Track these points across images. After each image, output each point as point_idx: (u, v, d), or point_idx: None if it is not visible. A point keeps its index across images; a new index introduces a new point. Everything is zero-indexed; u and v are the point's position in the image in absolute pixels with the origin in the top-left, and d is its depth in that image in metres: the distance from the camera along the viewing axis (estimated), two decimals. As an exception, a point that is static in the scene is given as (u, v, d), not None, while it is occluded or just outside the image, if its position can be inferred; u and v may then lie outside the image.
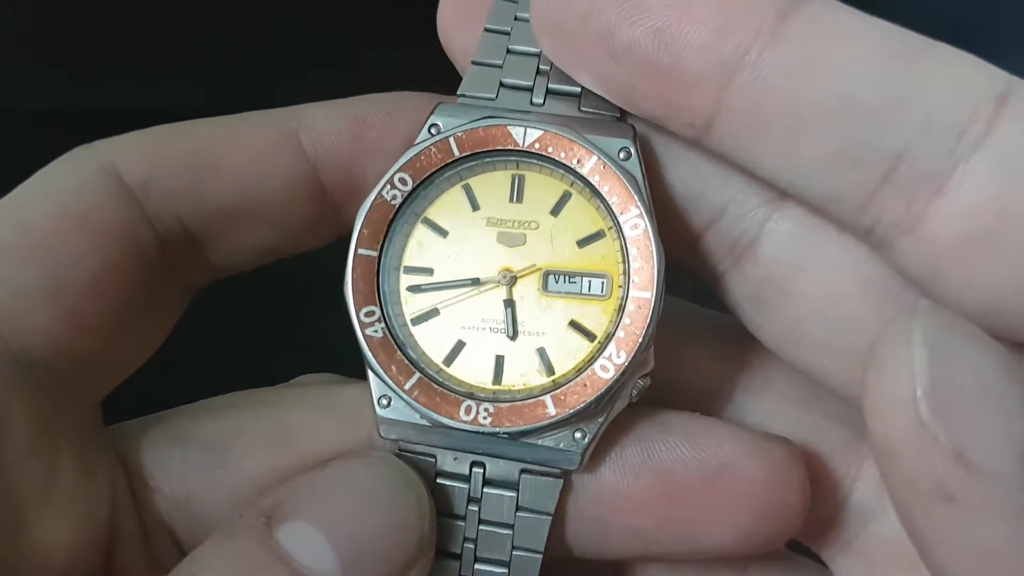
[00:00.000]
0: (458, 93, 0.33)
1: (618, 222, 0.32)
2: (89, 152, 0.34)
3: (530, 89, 0.33)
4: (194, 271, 0.36)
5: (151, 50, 0.55)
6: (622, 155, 0.32)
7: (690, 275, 0.34)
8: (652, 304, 0.31)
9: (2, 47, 0.54)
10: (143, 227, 0.33)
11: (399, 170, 0.33)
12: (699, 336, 0.36)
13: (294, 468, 0.32)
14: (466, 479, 0.33)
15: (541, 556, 0.32)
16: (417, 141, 0.33)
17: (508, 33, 0.33)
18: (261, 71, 0.56)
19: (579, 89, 0.32)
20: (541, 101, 0.33)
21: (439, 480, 0.33)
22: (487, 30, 0.33)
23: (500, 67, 0.33)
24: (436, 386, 0.32)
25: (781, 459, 0.32)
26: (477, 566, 0.33)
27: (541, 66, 0.33)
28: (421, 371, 0.32)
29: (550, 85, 0.33)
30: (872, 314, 0.31)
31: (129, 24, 0.55)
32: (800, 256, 0.31)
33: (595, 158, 0.32)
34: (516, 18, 0.33)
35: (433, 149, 0.32)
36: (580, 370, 0.32)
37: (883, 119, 0.26)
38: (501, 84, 0.33)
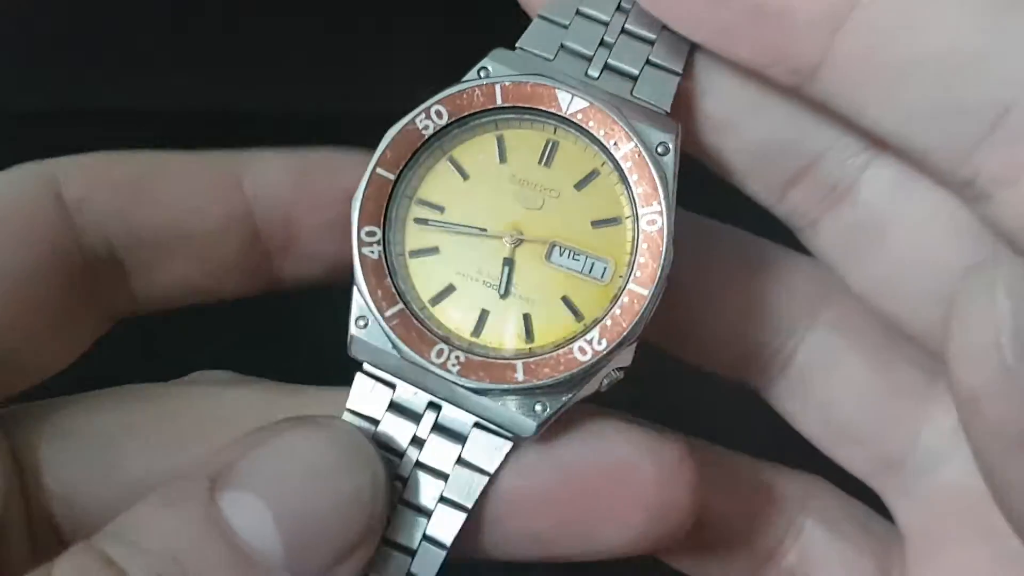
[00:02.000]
0: (517, 45, 0.33)
1: (637, 213, 0.32)
2: (35, 166, 0.34)
3: (589, 59, 0.33)
4: (117, 297, 0.36)
5: (152, 50, 0.55)
6: (660, 149, 0.32)
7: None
8: (646, 302, 0.31)
9: (2, 47, 0.54)
10: (72, 243, 0.34)
11: (437, 102, 0.32)
12: (792, 275, 0.36)
13: (178, 472, 0.30)
14: (417, 418, 0.32)
15: (466, 515, 0.31)
16: (464, 79, 0.32)
17: None
18: (262, 71, 0.56)
19: (637, 71, 0.32)
20: (597, 74, 0.33)
21: (389, 412, 0.32)
22: None
23: (565, 28, 0.33)
24: (415, 321, 0.32)
25: (673, 459, 0.32)
26: (399, 507, 0.32)
27: (606, 38, 0.33)
28: (405, 303, 0.32)
29: (610, 60, 0.33)
30: (965, 264, 0.30)
31: (129, 24, 0.55)
32: (899, 203, 0.31)
33: (632, 144, 0.32)
34: None
35: (477, 91, 0.32)
36: (558, 346, 0.31)
37: (993, 70, 0.26)
38: (562, 46, 0.33)
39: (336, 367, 0.35)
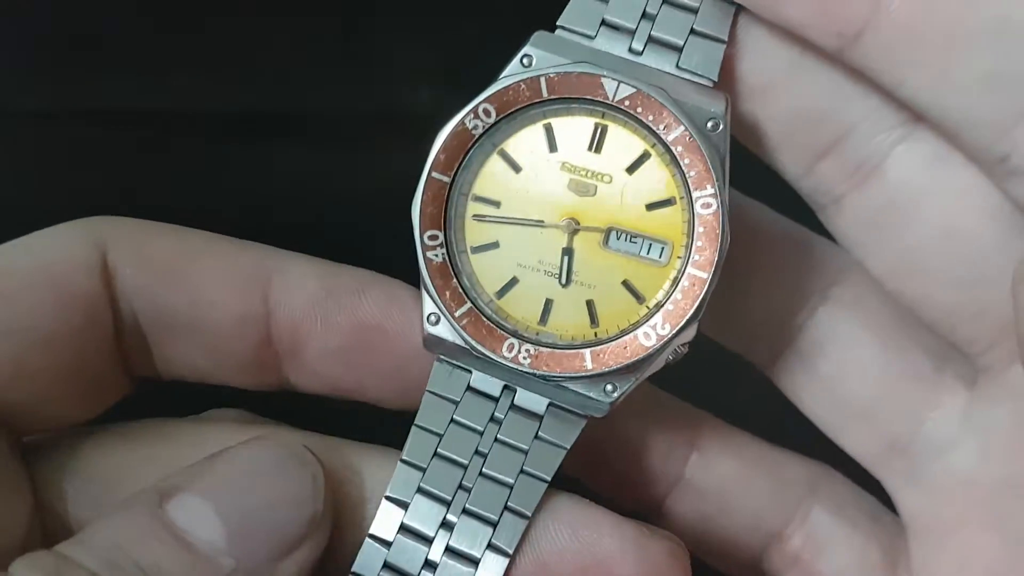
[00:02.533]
0: (557, 24, 0.33)
1: (691, 196, 0.32)
2: (87, 225, 0.36)
3: (632, 33, 0.32)
4: (140, 363, 0.37)
5: (152, 50, 0.55)
6: (710, 125, 0.32)
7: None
8: (707, 284, 0.32)
9: (2, 47, 0.54)
10: (106, 309, 0.35)
11: (485, 100, 0.32)
12: (807, 253, 0.36)
13: None
14: (495, 400, 0.33)
15: (546, 485, 0.32)
16: (506, 73, 0.32)
17: None
18: (262, 71, 0.56)
19: (682, 42, 0.32)
20: (641, 48, 0.32)
21: (468, 394, 0.33)
22: None
23: (605, 2, 0.33)
24: (484, 319, 0.32)
25: (661, 558, 0.32)
26: (480, 480, 0.33)
27: (648, 9, 0.32)
28: (472, 301, 0.33)
29: (653, 32, 0.32)
30: (992, 244, 0.31)
31: (129, 24, 0.55)
32: (929, 181, 0.31)
33: (682, 128, 0.32)
34: None
35: (523, 85, 0.32)
36: (624, 331, 0.32)
37: None
38: (603, 21, 0.32)
39: (344, 416, 0.36)
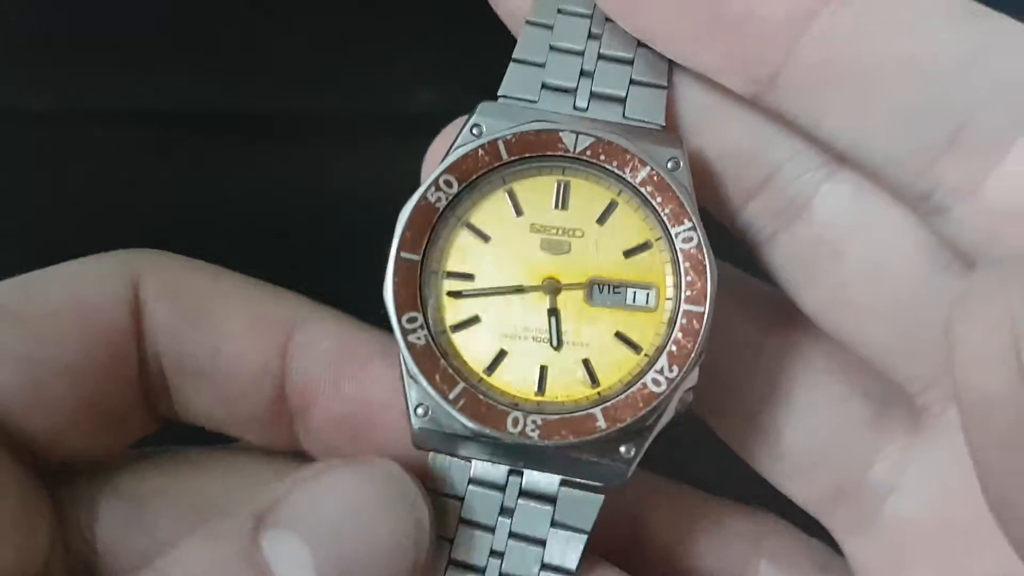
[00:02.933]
0: (499, 94, 0.32)
1: (669, 234, 0.31)
2: (123, 257, 0.35)
3: (573, 91, 0.32)
4: (162, 405, 0.36)
5: (152, 50, 0.55)
6: (671, 165, 0.31)
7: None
8: (705, 319, 0.31)
9: (4, 47, 0.54)
10: (133, 342, 0.34)
11: (444, 172, 0.31)
12: (743, 301, 0.36)
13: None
14: (501, 488, 0.32)
15: None
16: (460, 141, 0.32)
17: (551, 28, 0.32)
18: (262, 71, 0.56)
19: (623, 93, 0.32)
20: (585, 105, 0.32)
21: (471, 487, 0.32)
22: (529, 23, 0.32)
23: (542, 66, 0.32)
24: (481, 397, 0.31)
25: None
26: None
27: (585, 67, 0.32)
28: (464, 380, 0.31)
29: (594, 88, 0.32)
30: (922, 281, 0.30)
31: (129, 24, 0.55)
32: (855, 218, 0.31)
33: (648, 168, 0.31)
34: (560, 11, 0.32)
35: (480, 151, 0.31)
36: (629, 384, 0.31)
37: (953, 80, 0.26)
38: (543, 85, 0.32)
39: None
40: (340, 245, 0.48)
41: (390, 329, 0.32)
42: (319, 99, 0.56)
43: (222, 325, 0.35)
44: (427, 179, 0.31)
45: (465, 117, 0.32)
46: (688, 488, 0.38)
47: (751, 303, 0.35)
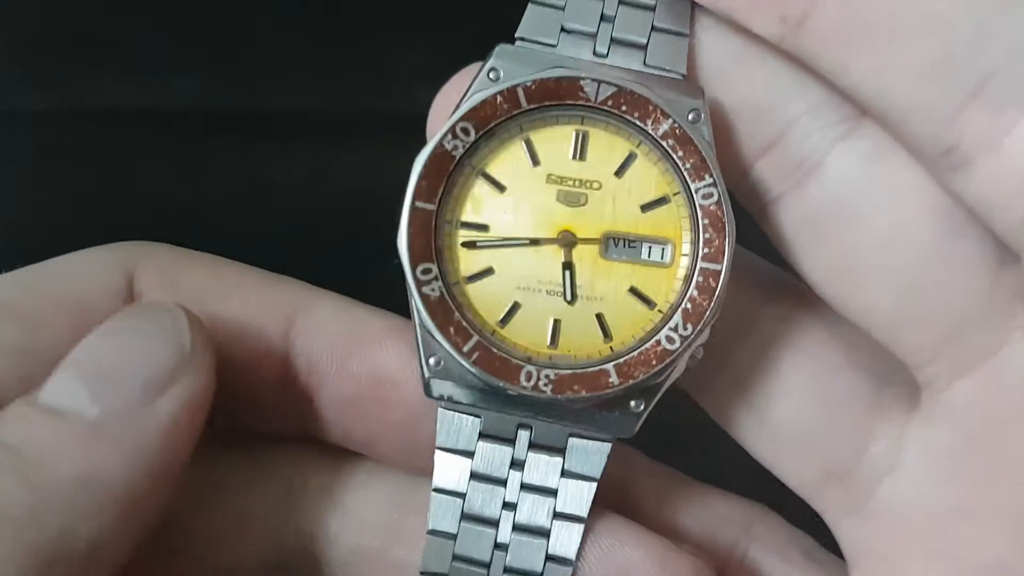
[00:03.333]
0: (516, 36, 0.31)
1: (689, 189, 0.31)
2: (118, 250, 0.35)
3: (593, 36, 0.31)
4: None
5: (152, 50, 0.55)
6: (691, 117, 0.31)
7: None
8: (722, 277, 0.30)
9: (3, 47, 0.54)
10: None
11: (461, 119, 0.31)
12: (738, 272, 0.35)
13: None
14: (511, 442, 0.31)
15: (583, 525, 0.31)
16: (476, 86, 0.31)
17: None
18: (262, 71, 0.56)
19: (645, 40, 0.31)
20: (605, 51, 0.31)
21: (481, 442, 0.31)
22: None
23: (562, 9, 0.31)
24: (495, 350, 0.30)
25: (685, 573, 0.31)
26: (515, 535, 0.31)
27: (606, 11, 0.31)
28: (478, 332, 0.30)
29: (615, 33, 0.31)
30: (934, 246, 0.30)
31: (130, 24, 0.55)
32: (871, 179, 0.30)
33: (670, 121, 0.30)
34: None
35: (499, 98, 0.31)
36: (643, 340, 0.31)
37: (984, 31, 0.26)
38: (562, 28, 0.31)
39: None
40: (340, 245, 0.48)
41: (394, 310, 0.32)
42: (319, 99, 0.56)
43: (221, 313, 0.34)
44: (443, 126, 0.31)
45: (477, 65, 0.32)
46: (680, 473, 0.37)
47: (746, 275, 0.34)
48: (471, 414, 0.31)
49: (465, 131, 0.31)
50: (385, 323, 0.34)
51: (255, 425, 0.36)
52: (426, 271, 0.30)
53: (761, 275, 0.35)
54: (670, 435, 0.33)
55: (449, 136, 0.31)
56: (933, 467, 0.32)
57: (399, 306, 0.33)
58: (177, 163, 0.54)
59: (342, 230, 0.52)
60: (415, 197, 0.30)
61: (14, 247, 0.36)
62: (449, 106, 0.32)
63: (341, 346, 0.34)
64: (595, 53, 0.31)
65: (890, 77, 0.27)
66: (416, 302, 0.30)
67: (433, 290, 0.30)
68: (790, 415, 0.34)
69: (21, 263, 0.34)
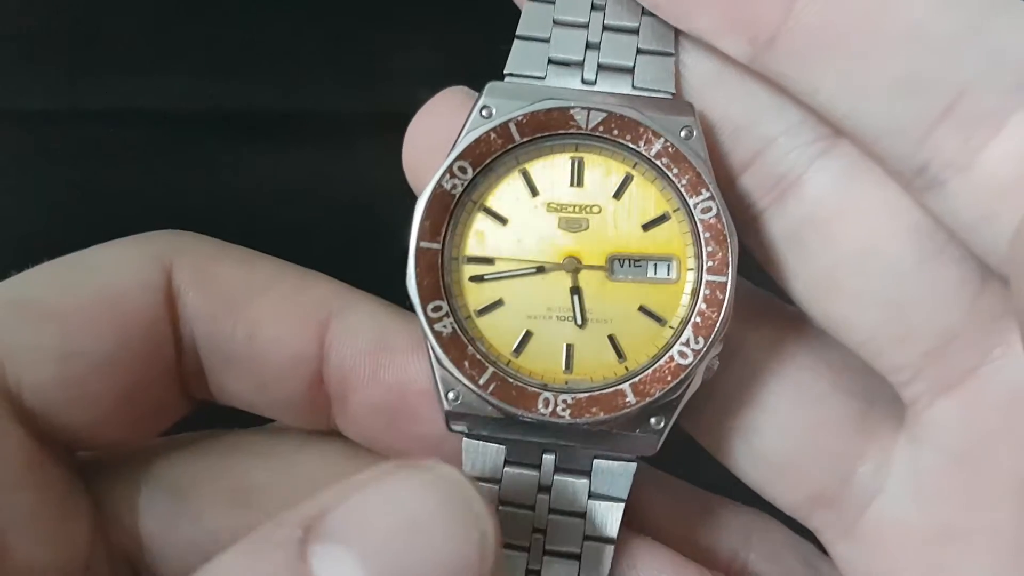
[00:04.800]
0: (505, 72, 0.32)
1: (688, 204, 0.31)
2: (153, 240, 0.35)
3: (581, 65, 0.32)
4: (197, 387, 0.36)
5: (152, 50, 0.55)
6: (684, 134, 0.31)
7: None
8: (728, 288, 0.31)
9: (2, 47, 0.54)
10: (168, 329, 0.34)
11: (458, 158, 0.31)
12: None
13: (252, 528, 0.26)
14: (536, 467, 0.32)
15: (613, 546, 0.31)
16: (470, 125, 0.31)
17: (553, 2, 0.32)
18: (261, 71, 0.56)
19: (631, 63, 0.32)
20: (593, 78, 0.32)
21: (507, 468, 0.32)
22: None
23: (547, 41, 0.32)
24: (511, 380, 0.31)
25: None
26: (546, 559, 0.32)
27: (591, 39, 0.32)
28: (492, 364, 0.31)
29: (601, 60, 0.32)
30: (914, 265, 0.30)
31: (129, 24, 0.55)
32: (849, 196, 0.31)
33: (662, 140, 0.31)
34: None
35: (492, 135, 0.31)
36: (656, 357, 0.31)
37: (952, 49, 0.26)
38: (550, 60, 0.32)
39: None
40: (340, 245, 0.48)
41: None
42: (319, 99, 0.55)
43: (257, 310, 0.34)
44: (440, 166, 0.31)
45: (454, 89, 0.32)
46: (682, 482, 0.38)
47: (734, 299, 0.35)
48: (495, 442, 0.32)
49: (462, 169, 0.31)
50: (415, 329, 0.34)
51: (282, 420, 0.36)
52: (436, 308, 0.31)
53: (746, 300, 0.35)
54: (670, 443, 0.33)
55: (447, 175, 0.31)
56: (918, 487, 0.32)
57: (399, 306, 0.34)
58: (177, 163, 0.54)
59: (343, 229, 0.52)
60: (420, 238, 0.31)
61: (14, 247, 0.36)
62: (424, 131, 0.32)
63: (373, 354, 0.34)
64: (584, 81, 0.32)
65: (859, 97, 0.28)
66: (430, 340, 0.31)
67: (445, 327, 0.31)
68: (777, 443, 0.34)
69: (22, 264, 0.34)
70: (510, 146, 0.31)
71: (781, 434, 0.34)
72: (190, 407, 0.36)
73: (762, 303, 0.35)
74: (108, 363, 0.33)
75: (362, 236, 0.44)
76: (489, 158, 0.31)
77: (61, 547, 0.32)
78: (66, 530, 0.32)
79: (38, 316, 0.32)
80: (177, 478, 0.34)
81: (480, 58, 0.32)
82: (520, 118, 0.31)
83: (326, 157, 0.55)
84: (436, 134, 0.32)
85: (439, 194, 0.31)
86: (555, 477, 0.32)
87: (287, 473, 0.34)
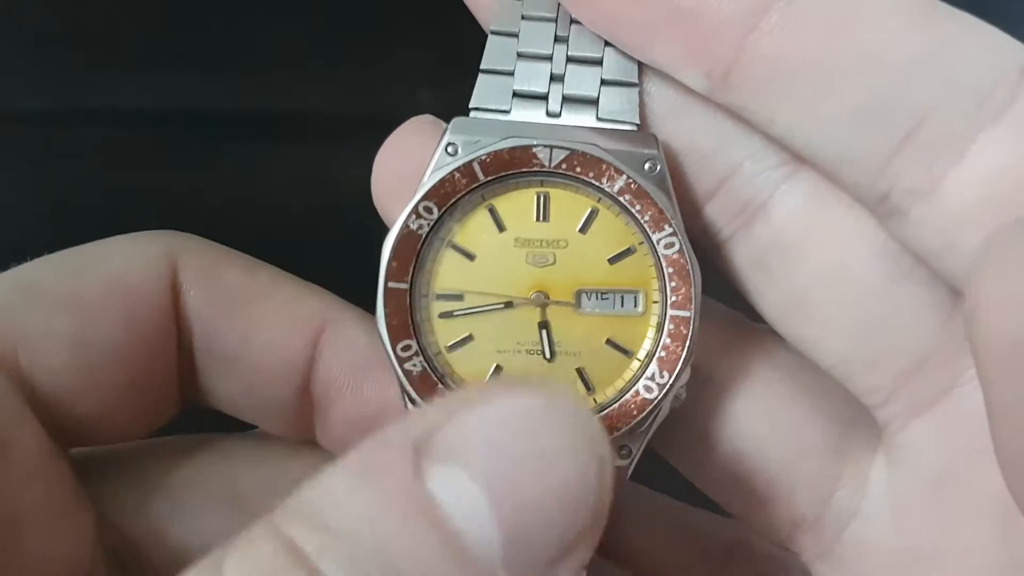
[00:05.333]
0: (470, 107, 0.32)
1: (651, 239, 0.32)
2: (161, 237, 0.35)
3: (545, 97, 0.32)
4: (192, 386, 0.37)
5: (150, 50, 0.55)
6: (648, 167, 0.31)
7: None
8: (692, 323, 0.31)
9: (2, 47, 0.54)
10: (172, 323, 0.35)
11: (423, 198, 0.31)
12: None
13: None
14: None
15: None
16: (436, 164, 0.32)
17: (516, 35, 0.32)
18: (261, 71, 0.56)
19: (595, 95, 0.32)
20: (558, 110, 0.32)
21: None
22: (493, 32, 0.32)
23: (511, 74, 0.32)
24: None
25: None
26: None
27: (555, 71, 0.32)
28: None
29: (566, 92, 0.32)
30: (882, 287, 0.30)
31: (128, 24, 0.55)
32: (815, 220, 0.31)
33: (624, 177, 0.31)
34: (524, 17, 0.32)
35: (457, 174, 0.31)
36: (623, 391, 0.32)
37: (909, 76, 0.26)
38: (514, 94, 0.32)
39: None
40: (340, 245, 0.48)
41: None
42: (319, 99, 0.56)
43: (254, 314, 0.35)
44: (406, 207, 0.31)
45: (421, 118, 0.32)
46: (663, 495, 0.38)
47: (707, 324, 0.34)
48: None
49: (428, 210, 0.31)
50: None
51: (265, 426, 0.36)
52: (406, 347, 0.31)
53: (721, 324, 0.34)
54: (651, 455, 0.33)
55: (413, 216, 0.31)
56: (894, 508, 0.32)
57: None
58: (177, 163, 0.55)
59: (342, 230, 0.52)
60: (388, 278, 0.31)
61: (14, 247, 0.36)
62: (390, 164, 0.33)
63: (360, 368, 0.35)
64: (548, 113, 0.32)
65: (816, 127, 0.27)
66: (400, 379, 0.31)
67: (415, 365, 0.31)
68: (754, 469, 0.34)
69: (22, 263, 0.34)
70: (475, 185, 0.32)
71: (760, 462, 0.34)
72: (179, 409, 0.37)
73: (737, 327, 0.34)
74: (118, 352, 0.33)
75: (361, 236, 0.44)
76: (455, 197, 0.32)
77: (70, 540, 0.32)
78: (75, 523, 0.32)
79: (51, 302, 0.32)
80: (169, 480, 0.35)
81: (477, 59, 0.32)
82: (484, 157, 0.31)
83: (326, 157, 0.55)
84: (403, 165, 0.32)
85: (405, 235, 0.32)
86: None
87: (278, 479, 0.35)
